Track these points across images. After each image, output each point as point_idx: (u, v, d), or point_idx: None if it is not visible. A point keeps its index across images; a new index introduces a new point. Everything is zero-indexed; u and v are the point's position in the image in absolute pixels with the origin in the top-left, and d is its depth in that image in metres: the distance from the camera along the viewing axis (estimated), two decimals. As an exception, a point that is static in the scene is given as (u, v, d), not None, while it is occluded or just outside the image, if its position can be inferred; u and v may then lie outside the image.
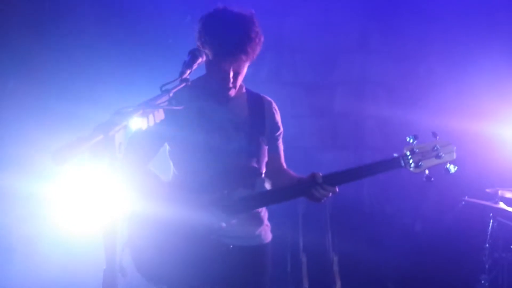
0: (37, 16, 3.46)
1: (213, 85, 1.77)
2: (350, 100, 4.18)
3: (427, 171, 1.63)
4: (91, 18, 3.52)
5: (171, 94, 1.50)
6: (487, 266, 3.33)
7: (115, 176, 1.15)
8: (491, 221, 3.40)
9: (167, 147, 1.81)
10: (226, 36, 1.63)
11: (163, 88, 1.49)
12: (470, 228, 3.61)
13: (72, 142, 1.06)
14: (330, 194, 1.66)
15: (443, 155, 1.62)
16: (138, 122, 1.29)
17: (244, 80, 1.89)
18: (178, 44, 3.42)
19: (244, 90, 1.86)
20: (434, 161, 1.63)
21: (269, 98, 1.91)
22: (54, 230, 3.25)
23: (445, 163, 1.64)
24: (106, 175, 1.15)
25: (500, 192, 3.38)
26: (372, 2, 4.12)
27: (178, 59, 1.70)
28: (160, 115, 1.41)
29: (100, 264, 1.17)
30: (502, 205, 3.30)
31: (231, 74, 1.68)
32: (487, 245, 3.37)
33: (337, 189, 1.67)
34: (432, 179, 1.64)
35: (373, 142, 4.12)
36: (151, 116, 1.38)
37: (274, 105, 1.90)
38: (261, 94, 1.90)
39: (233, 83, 1.71)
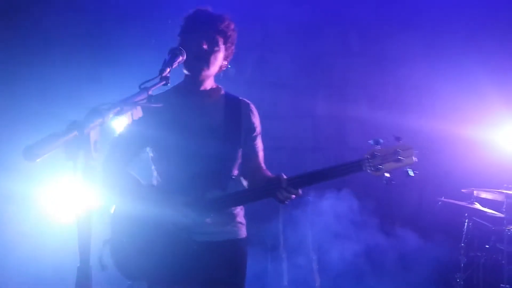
0: (14, 14, 3.40)
1: (189, 76, 1.81)
2: (332, 102, 4.24)
3: (387, 174, 1.62)
4: (71, 18, 3.49)
5: (150, 92, 1.49)
6: (462, 264, 3.42)
7: (90, 173, 1.14)
8: (467, 221, 3.49)
9: (150, 153, 1.86)
10: (196, 15, 1.84)
11: (142, 86, 1.49)
12: (446, 227, 3.70)
13: (44, 139, 1.05)
14: (294, 196, 1.68)
15: (402, 159, 1.60)
16: (115, 120, 1.29)
17: (228, 80, 1.91)
18: (160, 45, 3.41)
19: (222, 92, 1.90)
20: (393, 165, 1.61)
21: (247, 100, 1.94)
22: (33, 227, 3.21)
23: (405, 167, 1.62)
24: (81, 173, 1.14)
25: (475, 193, 3.47)
26: (354, 6, 4.18)
27: (159, 59, 1.69)
28: (138, 112, 1.40)
29: (75, 261, 1.16)
30: (477, 205, 3.39)
31: (204, 42, 1.77)
32: (462, 244, 3.46)
33: (300, 192, 1.68)
34: (393, 182, 1.62)
35: (354, 143, 4.18)
36: (128, 114, 1.37)
37: (252, 107, 1.93)
38: (239, 97, 1.93)
39: (207, 51, 1.77)
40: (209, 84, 1.87)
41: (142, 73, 1.94)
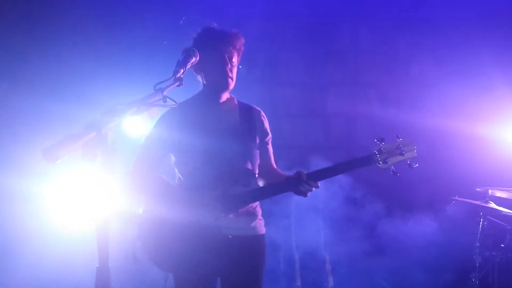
0: (31, 17, 3.45)
1: (211, 87, 2.00)
2: (343, 100, 4.22)
3: (393, 167, 1.88)
4: (85, 20, 3.53)
5: (165, 93, 1.50)
6: (477, 264, 3.37)
7: (108, 173, 1.15)
8: (482, 220, 3.44)
9: (172, 158, 2.02)
10: (220, 31, 2.01)
11: (157, 87, 1.50)
12: (460, 227, 3.65)
13: (63, 140, 1.06)
14: (313, 188, 1.89)
15: (405, 152, 1.86)
16: (131, 120, 1.29)
17: (239, 79, 2.04)
18: (172, 46, 3.44)
19: (236, 102, 2.10)
20: (398, 158, 1.87)
21: (258, 108, 2.13)
22: (48, 228, 3.24)
23: (408, 159, 1.88)
24: (99, 173, 1.14)
25: (490, 192, 3.41)
26: (364, 3, 4.16)
27: (173, 60, 1.71)
28: (154, 113, 1.42)
29: (94, 262, 1.17)
30: (492, 204, 3.34)
31: (227, 60, 1.96)
32: (477, 243, 3.41)
33: (319, 184, 1.90)
34: (398, 174, 1.88)
35: (365, 141, 4.14)
36: (144, 114, 1.38)
37: (263, 114, 2.13)
38: (251, 105, 2.13)
39: (230, 69, 1.97)
40: (226, 95, 2.05)
41: (156, 73, 1.96)
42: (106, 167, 1.15)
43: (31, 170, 2.95)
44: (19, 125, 3.28)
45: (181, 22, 3.60)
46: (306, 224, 3.64)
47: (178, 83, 1.62)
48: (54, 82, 3.39)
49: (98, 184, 1.16)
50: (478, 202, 3.38)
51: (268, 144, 2.11)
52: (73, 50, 3.44)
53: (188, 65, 1.72)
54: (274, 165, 2.14)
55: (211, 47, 1.93)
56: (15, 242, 3.25)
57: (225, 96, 2.04)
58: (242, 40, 2.00)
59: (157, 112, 1.45)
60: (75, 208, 3.18)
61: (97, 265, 1.16)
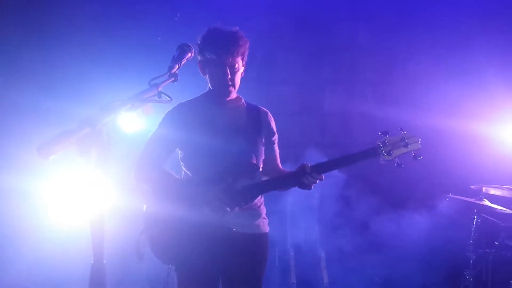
0: (26, 13, 3.43)
1: (214, 91, 2.03)
2: (339, 98, 4.22)
3: (397, 159, 1.90)
4: (81, 17, 3.52)
5: (160, 88, 1.50)
6: (471, 261, 3.39)
7: (103, 169, 1.14)
8: (476, 217, 3.46)
9: (179, 152, 2.06)
10: (222, 37, 1.98)
11: (152, 83, 1.49)
12: (454, 224, 3.67)
13: (57, 135, 1.05)
14: (317, 181, 1.90)
15: (409, 144, 1.89)
16: (126, 116, 1.29)
17: None
18: (167, 42, 3.43)
19: (243, 101, 2.14)
20: (403, 150, 1.89)
21: (265, 109, 2.16)
22: (44, 225, 3.23)
23: (412, 151, 1.90)
24: (94, 169, 1.14)
25: (484, 189, 3.43)
26: (361, 2, 4.15)
27: (167, 57, 1.70)
28: (149, 109, 1.41)
29: (89, 259, 1.17)
30: (486, 202, 3.36)
31: (228, 69, 1.96)
32: (471, 241, 3.43)
33: (323, 177, 1.91)
34: (403, 166, 1.89)
35: (362, 139, 4.15)
36: (139, 110, 1.37)
37: (270, 115, 2.15)
38: (258, 105, 2.16)
39: (231, 79, 1.98)
40: (233, 95, 2.08)
41: (151, 69, 1.95)
42: (101, 163, 1.14)
43: (26, 167, 2.93)
44: (14, 122, 3.26)
45: (176, 18, 3.59)
46: (301, 221, 3.65)
47: (173, 78, 1.62)
48: (50, 79, 3.38)
49: (93, 181, 1.16)
50: (472, 200, 3.40)
51: (274, 143, 2.13)
52: (68, 47, 3.43)
53: (184, 61, 1.72)
54: (280, 165, 2.15)
55: (213, 54, 1.94)
56: (11, 239, 3.23)
57: (232, 96, 2.06)
58: (246, 45, 1.99)
59: (152, 108, 1.43)
60: (71, 204, 3.17)
61: (92, 262, 1.15)
